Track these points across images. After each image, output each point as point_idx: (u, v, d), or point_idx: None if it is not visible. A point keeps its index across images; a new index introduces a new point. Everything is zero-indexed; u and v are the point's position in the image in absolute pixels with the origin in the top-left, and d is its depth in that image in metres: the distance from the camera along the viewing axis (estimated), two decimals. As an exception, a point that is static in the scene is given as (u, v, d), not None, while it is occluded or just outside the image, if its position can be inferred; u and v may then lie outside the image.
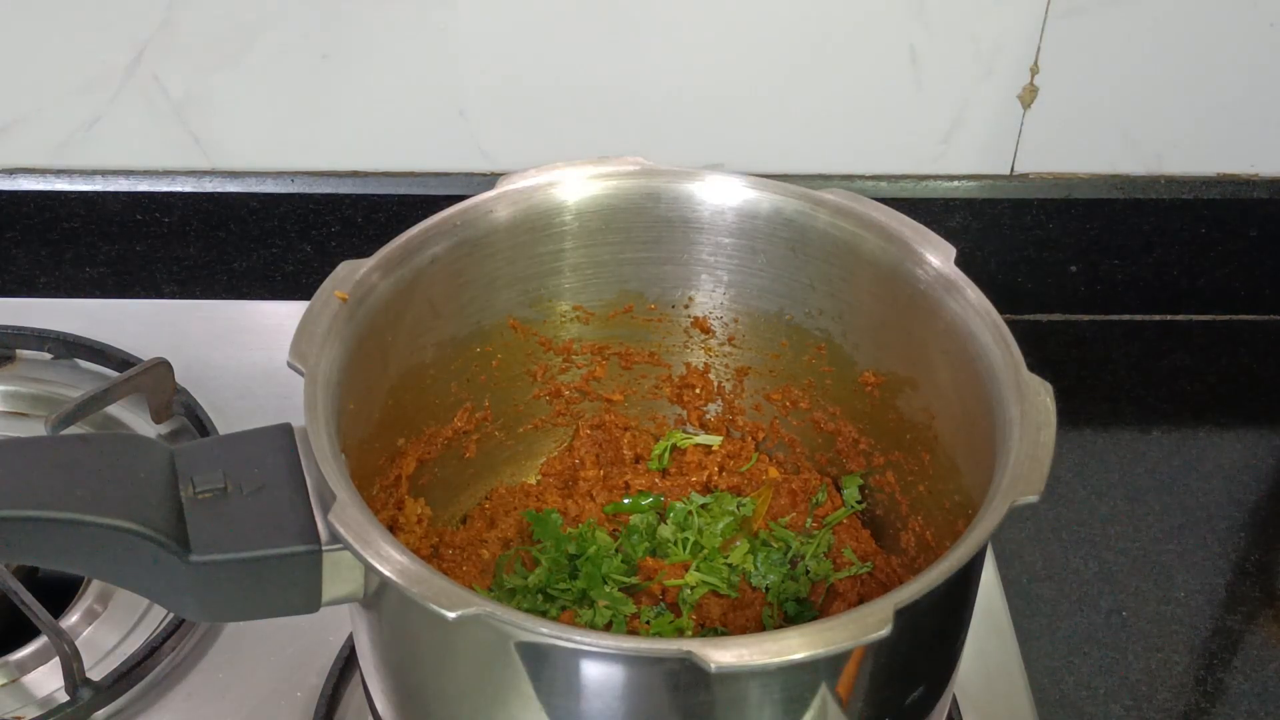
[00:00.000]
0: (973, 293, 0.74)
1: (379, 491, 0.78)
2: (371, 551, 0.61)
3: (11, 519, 0.62)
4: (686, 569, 0.82)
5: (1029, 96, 1.16)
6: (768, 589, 0.82)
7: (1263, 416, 1.17)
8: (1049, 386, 0.69)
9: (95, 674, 0.87)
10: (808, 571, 0.83)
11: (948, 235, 0.77)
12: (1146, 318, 1.25)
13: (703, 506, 0.85)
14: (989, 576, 0.98)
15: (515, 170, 0.80)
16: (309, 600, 0.66)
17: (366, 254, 0.75)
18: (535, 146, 1.16)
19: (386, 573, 0.60)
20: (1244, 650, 1.00)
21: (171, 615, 0.91)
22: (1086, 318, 1.25)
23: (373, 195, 1.20)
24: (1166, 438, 1.15)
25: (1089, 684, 0.97)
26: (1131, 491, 1.10)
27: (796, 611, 0.81)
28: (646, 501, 0.86)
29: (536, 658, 0.62)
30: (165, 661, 0.90)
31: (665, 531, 0.84)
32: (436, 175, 1.20)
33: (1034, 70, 1.15)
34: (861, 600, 0.82)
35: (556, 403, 0.88)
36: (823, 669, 0.63)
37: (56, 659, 0.87)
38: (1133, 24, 1.13)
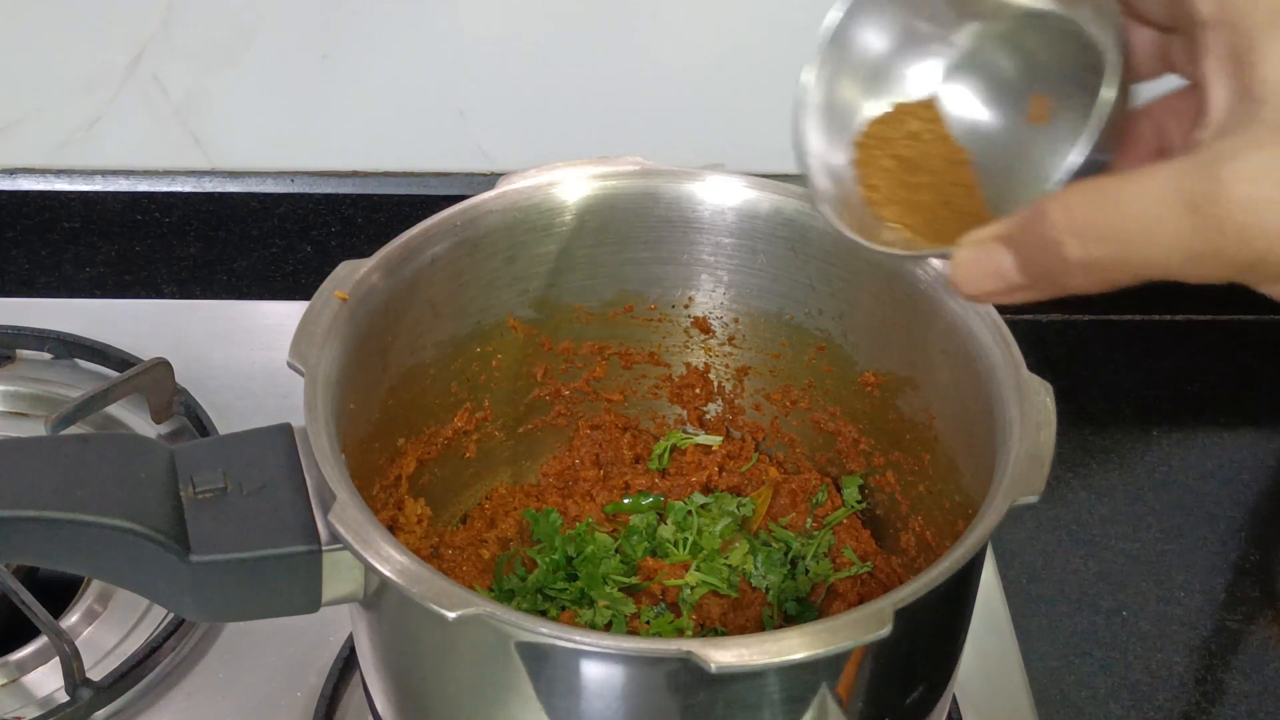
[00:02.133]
0: (973, 293, 0.74)
1: (379, 491, 0.78)
2: (371, 551, 0.61)
3: (11, 519, 0.62)
4: (686, 569, 0.82)
5: (1029, 96, 1.16)
6: (768, 589, 0.82)
7: (1263, 416, 1.17)
8: (1049, 386, 0.69)
9: (95, 674, 0.87)
10: (808, 571, 0.83)
11: (948, 235, 0.77)
12: (1146, 318, 1.25)
13: (702, 507, 0.85)
14: (989, 576, 0.98)
15: (515, 170, 0.81)
16: (309, 600, 0.66)
17: (366, 254, 0.75)
18: (535, 146, 1.16)
19: (386, 573, 0.60)
20: (1244, 650, 1.00)
21: (171, 615, 0.91)
22: (1086, 318, 1.25)
23: (373, 195, 1.20)
24: (1166, 438, 1.15)
25: (1089, 684, 0.97)
26: (1131, 491, 1.10)
27: (796, 611, 0.81)
28: (646, 501, 0.86)
29: (536, 658, 0.62)
30: (165, 661, 0.90)
31: (665, 531, 0.84)
32: (436, 175, 1.20)
33: (1034, 70, 1.14)
34: (861, 600, 0.82)
35: (556, 403, 0.88)
36: (823, 669, 0.63)
37: (56, 659, 0.87)
38: (1133, 24, 1.13)
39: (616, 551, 0.83)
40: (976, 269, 0.54)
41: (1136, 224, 0.49)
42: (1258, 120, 0.49)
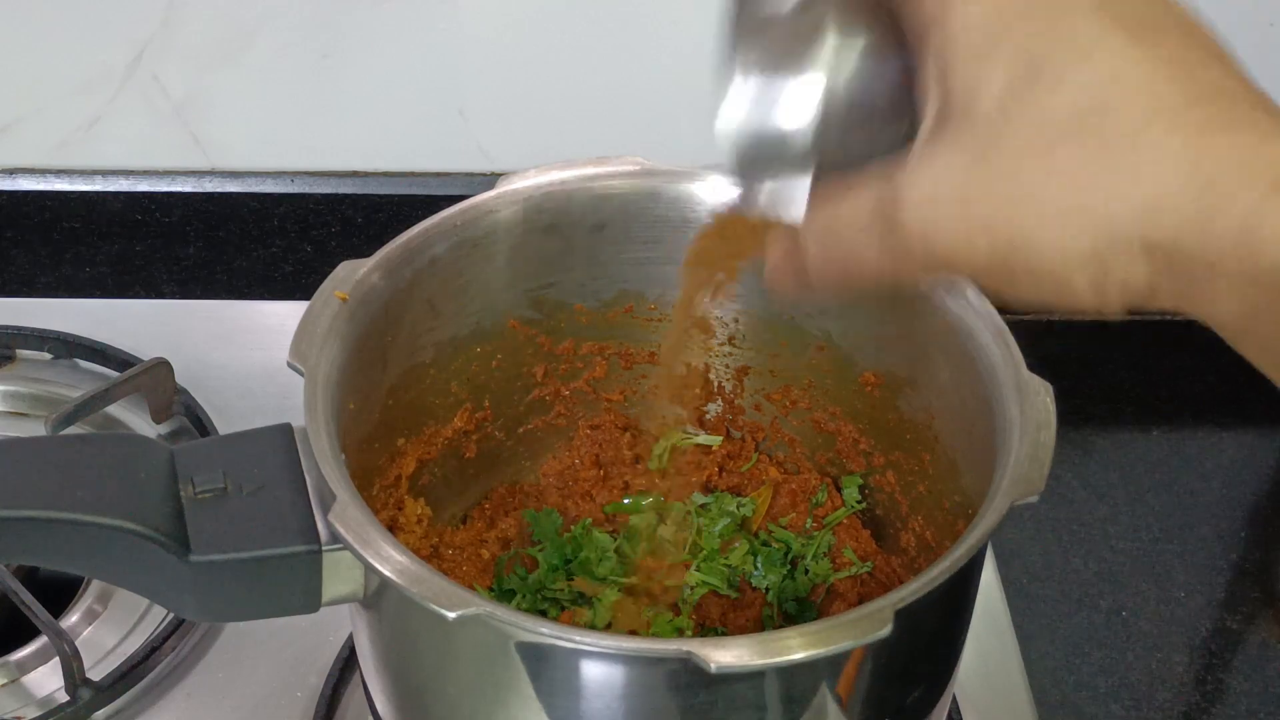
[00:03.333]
0: (973, 293, 0.74)
1: (379, 491, 0.78)
2: (371, 551, 0.61)
3: (11, 519, 0.62)
4: (686, 569, 0.82)
5: (1029, 96, 1.16)
6: (768, 589, 0.82)
7: (1263, 416, 1.17)
8: (1049, 386, 0.69)
9: (95, 674, 0.87)
10: (807, 571, 0.83)
11: (948, 235, 0.77)
12: (1146, 318, 1.25)
13: (702, 507, 0.85)
14: (989, 576, 0.98)
15: (515, 170, 0.80)
16: (309, 600, 0.66)
17: (366, 254, 0.75)
18: (535, 146, 1.16)
19: (386, 573, 0.60)
20: (1244, 650, 1.00)
21: (171, 615, 0.91)
22: (1086, 318, 1.25)
23: (373, 195, 1.20)
24: (1166, 438, 1.15)
25: (1089, 684, 0.97)
26: (1131, 491, 1.10)
27: (796, 611, 0.81)
28: (646, 501, 0.86)
29: (536, 658, 0.62)
30: (165, 661, 0.90)
31: (665, 531, 0.84)
32: (436, 175, 1.20)
33: (1034, 70, 1.14)
34: (861, 600, 0.82)
35: (557, 403, 0.88)
36: (823, 669, 0.63)
37: (56, 659, 0.87)
38: (1133, 24, 1.13)
39: (616, 552, 0.83)
40: (773, 267, 0.57)
41: (850, 231, 0.52)
42: (946, 125, 0.50)
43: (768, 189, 0.56)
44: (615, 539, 0.84)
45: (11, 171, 1.19)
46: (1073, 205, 0.47)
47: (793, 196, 0.57)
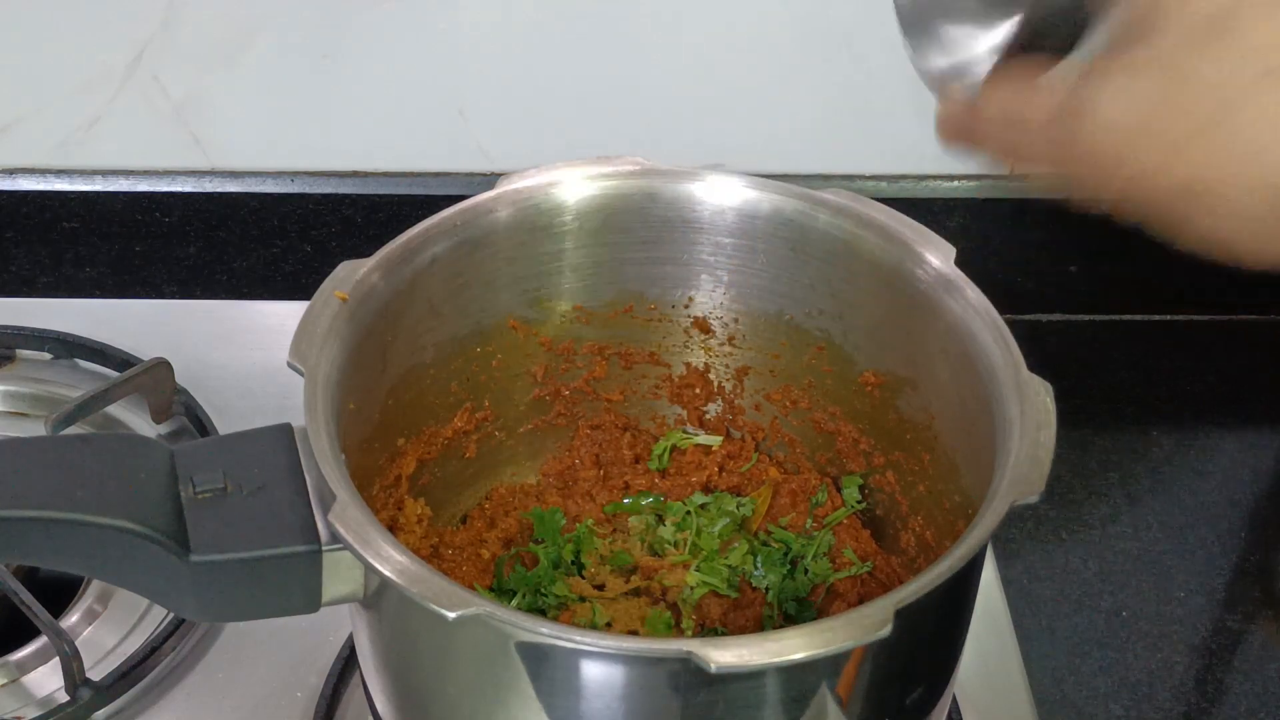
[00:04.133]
0: (973, 293, 0.74)
1: (379, 491, 0.78)
2: (371, 551, 0.61)
3: (11, 519, 0.62)
4: (686, 569, 0.82)
5: (1029, 96, 1.16)
6: (768, 589, 0.82)
7: (1263, 416, 1.17)
8: (1049, 386, 0.69)
9: (95, 674, 0.87)
10: (807, 571, 0.83)
11: (948, 235, 0.77)
12: (1146, 318, 1.26)
13: (702, 507, 0.85)
14: (989, 576, 0.98)
15: (515, 170, 0.81)
16: (309, 600, 0.66)
17: (366, 254, 0.75)
18: (535, 146, 1.16)
19: (386, 573, 0.60)
20: (1244, 650, 1.00)
21: (171, 615, 0.91)
22: (1086, 318, 1.25)
23: (373, 195, 1.20)
24: (1166, 438, 1.15)
25: (1089, 684, 0.97)
26: (1131, 491, 1.10)
27: (796, 611, 0.81)
28: (646, 501, 0.86)
29: (536, 658, 0.62)
30: (165, 661, 0.90)
31: (665, 532, 0.84)
32: (436, 175, 1.20)
33: (1034, 70, 1.14)
34: (861, 600, 0.82)
35: (556, 403, 0.88)
36: (823, 669, 0.63)
37: (56, 659, 0.87)
38: (1133, 24, 1.13)
39: (614, 555, 0.83)
40: (946, 116, 0.59)
41: (1031, 123, 0.53)
42: (1133, 42, 0.48)
43: (940, 41, 0.58)
44: (614, 540, 0.84)
45: (11, 171, 1.19)
46: (1268, 148, 0.45)
47: (966, 50, 0.58)
